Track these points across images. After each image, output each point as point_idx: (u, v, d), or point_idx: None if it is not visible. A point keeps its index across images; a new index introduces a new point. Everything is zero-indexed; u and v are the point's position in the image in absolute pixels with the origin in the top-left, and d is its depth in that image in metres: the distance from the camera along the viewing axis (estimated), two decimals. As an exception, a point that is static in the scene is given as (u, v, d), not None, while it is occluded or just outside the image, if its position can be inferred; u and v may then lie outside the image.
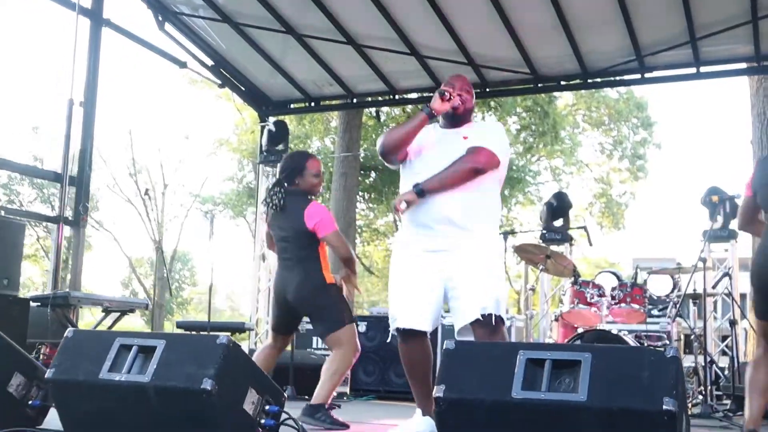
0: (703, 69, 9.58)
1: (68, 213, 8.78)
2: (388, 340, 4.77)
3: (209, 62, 10.94)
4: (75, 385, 3.44)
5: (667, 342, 8.10)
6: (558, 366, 3.05)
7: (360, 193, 23.39)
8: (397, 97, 11.47)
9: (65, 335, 3.66)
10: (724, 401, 7.54)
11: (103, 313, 7.77)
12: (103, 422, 3.46)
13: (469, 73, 9.91)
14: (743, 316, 9.12)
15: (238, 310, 47.97)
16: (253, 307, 11.19)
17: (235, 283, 53.12)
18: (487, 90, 10.49)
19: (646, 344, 7.96)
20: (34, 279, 33.11)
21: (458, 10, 9.13)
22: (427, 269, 4.53)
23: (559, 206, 10.52)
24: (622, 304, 7.64)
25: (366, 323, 8.42)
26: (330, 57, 10.46)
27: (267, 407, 3.48)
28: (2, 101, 34.55)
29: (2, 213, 8.37)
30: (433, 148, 4.65)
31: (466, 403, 3.07)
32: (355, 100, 11.68)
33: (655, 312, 8.71)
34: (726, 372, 8.09)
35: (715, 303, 9.01)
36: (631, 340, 7.23)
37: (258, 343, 10.29)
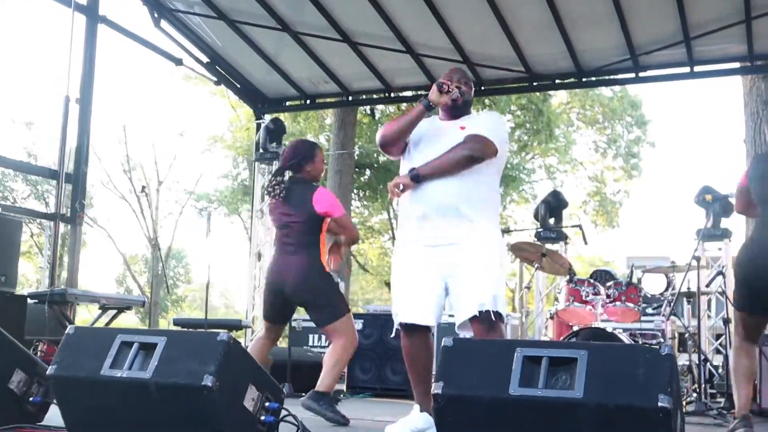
0: (697, 68, 9.64)
1: (64, 210, 8.79)
2: (392, 335, 4.78)
3: (205, 59, 10.96)
4: (77, 382, 3.47)
5: (662, 340, 8.15)
6: (555, 363, 3.07)
7: (355, 191, 23.43)
8: (392, 94, 11.52)
9: (66, 332, 3.68)
10: (718, 399, 7.58)
11: (100, 310, 7.80)
12: (105, 418, 3.49)
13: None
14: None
15: (233, 307, 47.98)
16: (249, 305, 11.22)
17: (230, 280, 53.20)
18: (482, 88, 10.52)
19: (640, 342, 8.00)
20: (28, 276, 33.06)
21: (453, 8, 9.17)
22: (427, 266, 4.55)
23: (555, 205, 10.56)
24: (617, 303, 7.67)
25: (362, 321, 8.43)
26: (326, 54, 10.49)
27: (267, 404, 3.51)
28: (-3, 97, 34.48)
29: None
30: (432, 140, 4.68)
31: (464, 399, 3.11)
32: (350, 98, 11.71)
33: (649, 310, 8.75)
34: (720, 370, 8.14)
35: (708, 301, 9.06)
36: (625, 338, 7.27)
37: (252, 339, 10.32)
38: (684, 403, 6.79)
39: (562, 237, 10.34)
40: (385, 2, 9.25)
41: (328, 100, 12.25)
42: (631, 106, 27.46)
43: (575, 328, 7.61)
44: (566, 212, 11.50)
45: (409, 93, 12.13)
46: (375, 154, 24.32)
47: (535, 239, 10.09)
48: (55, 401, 3.96)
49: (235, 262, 57.28)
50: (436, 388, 3.12)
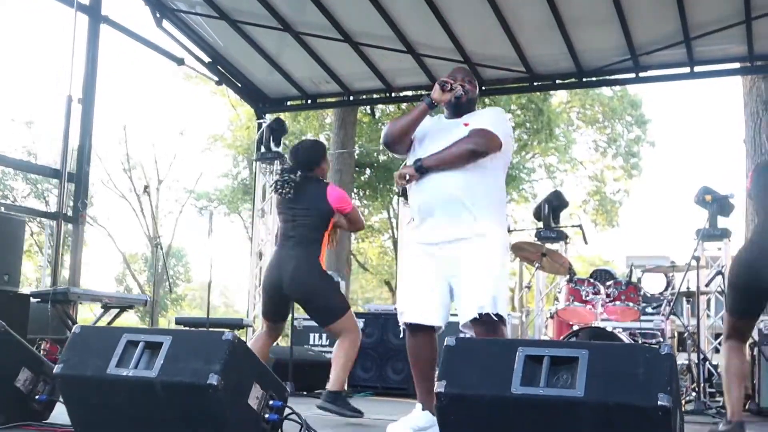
0: (697, 68, 9.67)
1: (66, 210, 8.82)
2: (401, 336, 4.82)
3: (206, 59, 10.99)
4: (83, 380, 3.50)
5: (661, 339, 8.18)
6: (556, 362, 3.10)
7: (355, 190, 23.45)
8: (393, 94, 11.56)
9: (73, 331, 3.71)
10: (717, 398, 7.61)
11: (102, 309, 7.83)
12: (111, 416, 3.52)
13: (465, 71, 9.96)
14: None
15: (233, 306, 48.08)
16: (250, 304, 11.24)
17: (230, 279, 53.25)
18: (483, 88, 10.53)
19: (640, 341, 8.03)
20: (27, 274, 33.09)
21: (455, 8, 9.20)
22: (429, 265, 4.58)
23: (556, 205, 10.60)
24: (617, 302, 7.70)
25: (363, 320, 8.46)
26: (327, 54, 10.52)
27: (271, 402, 3.54)
28: (-1, 96, 34.50)
29: (2, 209, 8.40)
30: (436, 137, 4.70)
31: (467, 398, 3.14)
32: (351, 98, 11.76)
33: (649, 310, 8.78)
34: (719, 369, 8.17)
35: (708, 301, 9.09)
36: (625, 338, 7.30)
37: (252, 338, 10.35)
38: (683, 402, 6.83)
39: (562, 237, 10.36)
40: (386, 2, 9.28)
41: (329, 99, 12.29)
42: (631, 105, 27.50)
43: (575, 328, 7.64)
44: (566, 212, 11.53)
45: (409, 93, 12.16)
46: (375, 154, 24.35)
47: (536, 239, 10.12)
48: (60, 399, 4.01)
49: (235, 261, 57.29)
50: (438, 386, 3.15)
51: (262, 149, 11.51)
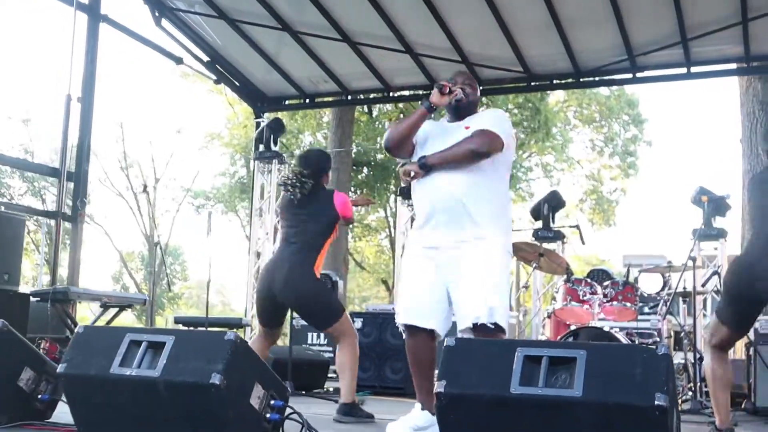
0: (694, 69, 9.72)
1: (65, 208, 8.85)
2: (403, 337, 4.85)
3: (205, 58, 11.03)
4: (86, 380, 3.53)
5: (658, 339, 8.22)
6: (554, 363, 3.13)
7: (352, 189, 23.45)
8: (391, 94, 11.60)
9: (76, 331, 3.74)
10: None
11: (102, 308, 7.85)
12: (114, 416, 3.55)
13: (463, 71, 10.01)
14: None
15: (229, 305, 47.96)
16: (249, 303, 11.27)
17: (226, 277, 53.18)
18: (481, 88, 10.51)
19: (637, 341, 8.07)
20: (24, 272, 33.05)
21: (453, 8, 9.24)
22: (429, 268, 4.59)
23: (554, 204, 10.64)
24: (614, 302, 7.74)
25: (362, 320, 8.49)
26: (325, 54, 10.56)
27: (272, 402, 3.58)
28: (-3, 95, 34.47)
29: (2, 209, 8.42)
30: (437, 140, 4.71)
31: (467, 398, 3.17)
32: (349, 98, 11.82)
33: (646, 309, 8.83)
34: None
35: (704, 301, 9.12)
36: (622, 337, 7.34)
37: (251, 337, 10.39)
38: (680, 401, 6.87)
39: (559, 237, 10.40)
40: (385, 3, 9.32)
41: (328, 99, 12.34)
42: (628, 104, 27.52)
43: (573, 327, 7.67)
44: (563, 211, 11.56)
45: (408, 93, 12.20)
46: (372, 152, 24.37)
47: (533, 239, 10.15)
48: (63, 398, 4.04)
49: (232, 260, 57.22)
50: (438, 386, 3.18)
51: (261, 148, 11.55)
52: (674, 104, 67.56)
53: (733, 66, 10.30)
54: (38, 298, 7.38)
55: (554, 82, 10.79)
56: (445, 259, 4.54)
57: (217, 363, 3.32)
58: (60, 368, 3.56)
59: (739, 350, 8.68)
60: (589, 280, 8.01)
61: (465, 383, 3.19)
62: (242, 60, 11.09)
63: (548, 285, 11.14)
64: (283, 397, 3.65)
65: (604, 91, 26.70)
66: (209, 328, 8.12)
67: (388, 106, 22.64)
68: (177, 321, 9.15)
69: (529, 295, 10.43)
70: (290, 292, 5.53)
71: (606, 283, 7.89)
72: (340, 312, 5.62)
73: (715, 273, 8.14)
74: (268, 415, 3.56)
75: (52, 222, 8.81)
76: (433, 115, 4.81)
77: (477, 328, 4.37)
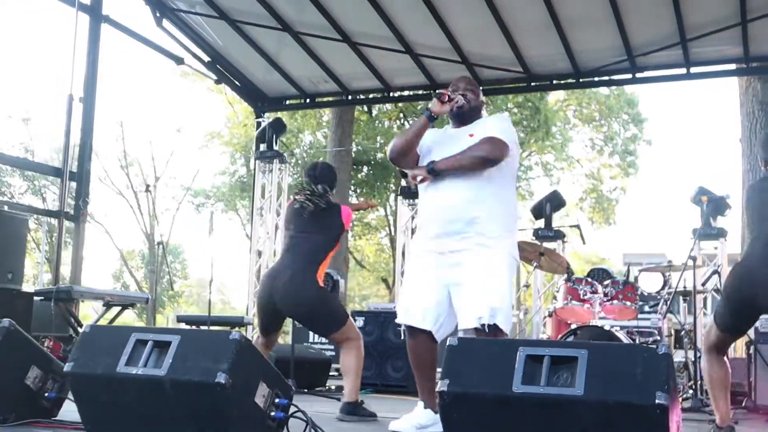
0: (694, 69, 9.76)
1: (67, 208, 8.88)
2: (402, 337, 4.89)
3: (206, 58, 11.07)
4: (93, 378, 3.56)
5: (658, 338, 8.25)
6: (556, 362, 3.16)
7: (352, 188, 23.50)
8: (391, 94, 11.64)
9: (82, 330, 3.78)
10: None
11: (104, 307, 7.89)
12: (120, 414, 3.59)
13: (462, 71, 10.06)
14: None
15: (229, 303, 48.00)
16: (250, 302, 11.31)
17: (226, 276, 53.21)
18: (481, 88, 10.57)
19: (637, 340, 8.10)
20: (25, 271, 33.00)
21: (453, 9, 9.27)
22: (431, 271, 4.63)
23: (555, 204, 10.67)
24: (615, 301, 7.76)
25: (363, 318, 8.53)
26: (326, 54, 10.59)
27: (277, 400, 3.61)
28: (-2, 94, 34.45)
29: (5, 208, 8.46)
30: (442, 147, 4.72)
31: (469, 396, 3.20)
32: (349, 97, 11.86)
33: (646, 308, 8.86)
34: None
35: (705, 299, 9.16)
36: (623, 336, 7.36)
37: (252, 337, 10.43)
38: (680, 399, 6.89)
39: (559, 236, 10.44)
40: (385, 3, 9.35)
41: (328, 99, 12.38)
42: (627, 104, 27.56)
43: (573, 326, 7.70)
44: (562, 210, 11.59)
45: (408, 93, 12.23)
46: (372, 151, 24.40)
47: (533, 238, 10.18)
48: (69, 397, 4.08)
49: (232, 259, 57.26)
50: (441, 385, 3.22)
51: (262, 148, 11.58)
52: (674, 103, 67.70)
53: (732, 66, 10.33)
54: (42, 297, 7.42)
55: (554, 82, 10.83)
56: (448, 261, 4.57)
57: (222, 362, 3.35)
58: (67, 367, 3.59)
59: (739, 348, 8.72)
60: (589, 280, 8.04)
61: (468, 382, 3.23)
62: (243, 60, 11.12)
63: (549, 284, 11.17)
64: (288, 395, 3.68)
65: (603, 90, 26.74)
66: (212, 327, 8.17)
67: (388, 106, 22.66)
68: (179, 320, 9.19)
69: (529, 294, 10.46)
70: (291, 300, 5.53)
71: (606, 282, 7.92)
72: (344, 318, 5.62)
73: (715, 272, 8.16)
74: (272, 414, 3.59)
75: (53, 220, 8.84)
76: (432, 124, 4.81)
77: (479, 329, 4.40)
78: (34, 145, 30.37)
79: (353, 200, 24.32)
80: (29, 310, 7.31)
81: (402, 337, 4.89)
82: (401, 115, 24.57)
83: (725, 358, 4.92)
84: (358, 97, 12.23)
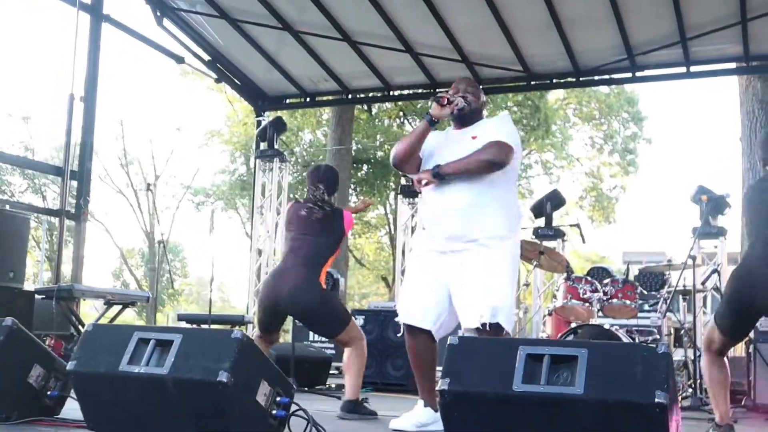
0: (693, 68, 9.78)
1: (68, 207, 8.90)
2: (399, 334, 4.90)
3: (206, 57, 11.09)
4: (96, 377, 3.58)
5: (658, 336, 8.27)
6: (556, 361, 3.18)
7: (352, 186, 23.51)
8: (391, 93, 11.65)
9: (85, 329, 3.80)
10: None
11: (105, 306, 7.90)
12: (123, 412, 3.61)
13: (462, 70, 10.08)
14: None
15: (229, 301, 48.04)
16: (251, 300, 11.33)
17: (226, 274, 53.29)
18: (481, 87, 10.60)
19: (637, 339, 8.12)
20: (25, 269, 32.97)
21: (453, 8, 9.29)
22: (432, 271, 4.65)
23: (556, 203, 10.69)
24: (614, 300, 7.77)
25: (363, 317, 8.54)
26: (326, 53, 10.61)
27: (278, 398, 3.63)
28: (-2, 93, 34.43)
29: (7, 207, 8.48)
30: (444, 150, 4.73)
31: (470, 395, 3.22)
32: (350, 96, 11.87)
33: (646, 307, 8.87)
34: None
35: (704, 298, 9.18)
36: (622, 335, 7.37)
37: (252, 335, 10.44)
38: (680, 398, 6.91)
39: (559, 235, 10.45)
40: (385, 2, 9.37)
41: (328, 98, 12.41)
42: (627, 102, 27.55)
43: (573, 325, 7.72)
44: (562, 209, 11.60)
45: (408, 91, 12.24)
46: (372, 150, 24.41)
47: (533, 237, 10.20)
48: (72, 395, 4.10)
49: (231, 257, 57.28)
50: (442, 384, 3.24)
51: (262, 146, 11.59)
52: (674, 102, 67.79)
53: (732, 65, 10.35)
54: (43, 296, 7.44)
55: (554, 81, 10.85)
56: (449, 261, 4.58)
57: (224, 361, 3.37)
58: (70, 366, 3.62)
59: (739, 347, 8.73)
60: (589, 278, 8.05)
61: (468, 381, 3.25)
62: (243, 59, 11.14)
63: (548, 283, 11.19)
64: (289, 394, 3.70)
65: (603, 89, 26.72)
66: (213, 325, 8.18)
67: (388, 104, 22.67)
68: (180, 318, 9.21)
69: (529, 292, 10.48)
70: (298, 303, 5.55)
71: (606, 281, 7.92)
72: (347, 319, 5.65)
73: (715, 271, 8.19)
74: (274, 412, 3.61)
75: (53, 219, 8.86)
76: (435, 127, 4.80)
77: (480, 329, 4.41)
78: (34, 144, 30.43)
79: (353, 198, 24.36)
80: (30, 308, 7.33)
81: (399, 334, 4.89)
82: (401, 113, 24.59)
83: (725, 359, 4.94)
84: (358, 96, 12.24)
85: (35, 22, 50.44)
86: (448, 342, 3.37)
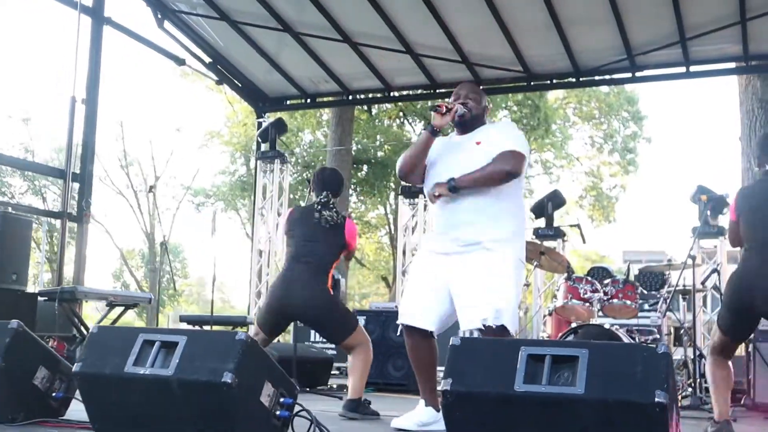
0: (693, 68, 9.80)
1: (70, 209, 8.93)
2: (398, 334, 4.93)
3: (207, 59, 11.11)
4: (101, 378, 3.61)
5: (658, 336, 8.30)
6: (557, 361, 3.21)
7: (352, 186, 23.53)
8: (392, 94, 11.67)
9: (90, 331, 3.84)
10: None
11: (108, 307, 7.93)
12: (128, 413, 3.63)
13: (463, 71, 10.12)
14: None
15: (229, 302, 48.07)
16: (252, 301, 11.35)
17: (226, 275, 53.28)
18: (481, 87, 10.62)
19: (637, 338, 8.14)
20: (26, 271, 32.96)
21: (453, 9, 9.32)
22: (433, 272, 4.67)
23: (556, 203, 10.71)
24: (614, 300, 7.79)
25: (365, 317, 8.55)
26: (326, 54, 10.63)
27: (281, 399, 3.65)
28: (-2, 94, 34.45)
29: (9, 209, 8.51)
30: (447, 157, 4.74)
31: (472, 395, 3.25)
32: (350, 97, 11.89)
33: (646, 306, 8.89)
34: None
35: (704, 298, 9.20)
36: (623, 335, 7.40)
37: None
38: (679, 397, 6.94)
39: (560, 235, 10.48)
40: (385, 3, 9.39)
41: (329, 99, 12.41)
42: (627, 102, 27.56)
43: (574, 325, 7.74)
44: (562, 208, 11.62)
45: (408, 92, 12.27)
46: (372, 150, 24.43)
47: (534, 237, 10.23)
48: (77, 396, 4.13)
49: (232, 258, 57.31)
50: (445, 385, 3.26)
51: (263, 148, 11.61)
52: (674, 101, 67.91)
53: (732, 65, 10.37)
54: (45, 298, 7.46)
55: (554, 81, 10.87)
56: (451, 262, 4.59)
57: (228, 362, 3.39)
58: (75, 367, 3.64)
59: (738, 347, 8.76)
60: (589, 278, 8.08)
61: (470, 381, 3.27)
62: (244, 61, 11.16)
63: (549, 283, 11.21)
64: (292, 394, 3.73)
65: (603, 88, 26.72)
66: (214, 327, 8.21)
67: (388, 105, 22.69)
68: (182, 319, 9.23)
69: (530, 292, 10.50)
70: (310, 309, 5.59)
71: (606, 281, 7.95)
72: (354, 325, 5.69)
73: (715, 270, 8.22)
74: (277, 413, 3.63)
75: (53, 220, 8.89)
76: (440, 133, 4.80)
77: (485, 329, 4.42)
78: (34, 146, 30.44)
79: (353, 198, 24.40)
80: (33, 310, 7.37)
81: (399, 334, 4.91)
82: (401, 114, 24.61)
83: (729, 362, 4.98)
84: (358, 96, 12.27)
85: (36, 25, 50.46)
86: (450, 343, 3.40)
